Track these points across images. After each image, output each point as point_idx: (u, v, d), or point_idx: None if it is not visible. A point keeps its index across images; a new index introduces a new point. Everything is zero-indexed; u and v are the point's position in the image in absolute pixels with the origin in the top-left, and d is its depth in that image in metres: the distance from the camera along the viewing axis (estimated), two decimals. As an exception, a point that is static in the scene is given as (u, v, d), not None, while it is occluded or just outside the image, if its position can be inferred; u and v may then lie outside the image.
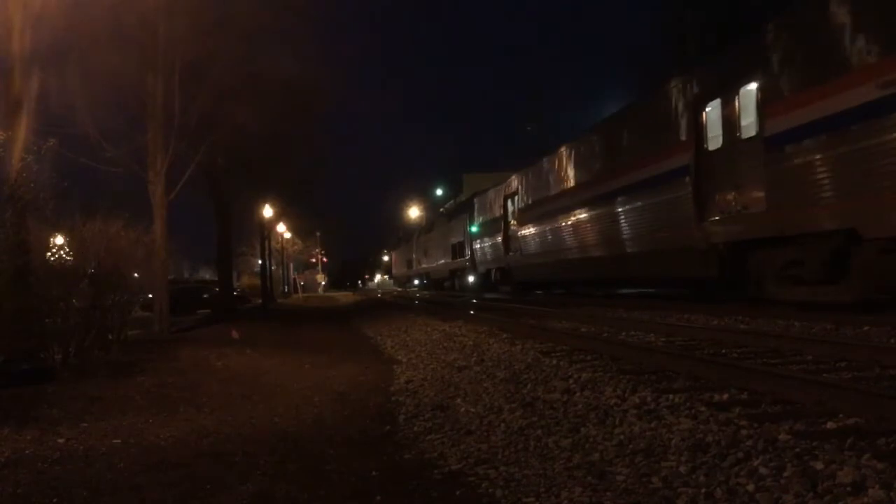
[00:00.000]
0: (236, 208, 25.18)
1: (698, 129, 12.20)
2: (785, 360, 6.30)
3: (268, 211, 31.47)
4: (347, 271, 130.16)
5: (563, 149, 19.21)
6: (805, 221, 9.53)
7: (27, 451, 4.72)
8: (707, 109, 12.08)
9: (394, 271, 76.71)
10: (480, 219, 29.72)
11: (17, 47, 8.07)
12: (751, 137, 10.80)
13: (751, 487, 3.02)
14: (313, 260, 76.83)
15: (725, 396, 4.82)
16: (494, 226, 27.02)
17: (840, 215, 8.91)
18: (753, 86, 10.71)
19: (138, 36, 12.79)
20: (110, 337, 10.42)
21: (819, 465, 3.11)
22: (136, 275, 12.52)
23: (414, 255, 54.83)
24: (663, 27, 34.27)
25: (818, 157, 9.16)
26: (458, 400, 5.82)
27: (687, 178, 12.36)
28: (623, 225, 15.00)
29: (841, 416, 4.04)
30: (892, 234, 8.22)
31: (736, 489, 3.04)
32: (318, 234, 62.69)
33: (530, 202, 21.95)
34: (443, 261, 40.90)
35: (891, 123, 8.01)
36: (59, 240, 10.37)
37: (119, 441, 4.97)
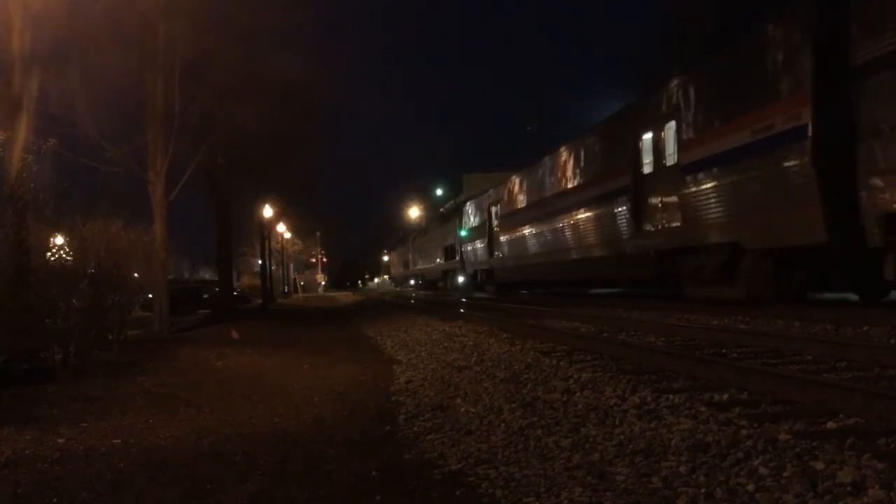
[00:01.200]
0: (236, 208, 25.20)
1: (636, 156, 14.41)
2: (785, 360, 6.30)
3: (268, 211, 31.48)
4: (347, 271, 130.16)
5: (533, 166, 22.06)
6: (705, 235, 11.82)
7: (27, 451, 4.72)
8: (643, 140, 14.27)
9: (392, 271, 79.17)
10: (469, 224, 32.20)
11: (17, 47, 8.09)
12: (672, 165, 13.05)
13: (751, 487, 3.02)
14: (313, 260, 76.81)
15: (725, 396, 4.81)
16: (480, 231, 29.41)
17: (728, 231, 11.19)
18: (673, 123, 12.90)
19: (138, 36, 12.79)
20: (110, 337, 10.43)
21: (819, 465, 3.11)
22: (136, 275, 12.54)
23: (410, 257, 57.60)
24: (663, 27, 34.28)
25: (713, 184, 11.46)
26: (458, 400, 5.82)
27: (627, 197, 14.62)
28: (581, 234, 17.48)
29: (841, 416, 4.03)
30: (765, 247, 10.58)
31: (736, 489, 3.04)
32: (318, 234, 62.75)
33: (508, 212, 24.50)
34: (436, 262, 43.43)
35: (758, 161, 10.22)
36: (59, 240, 10.37)
37: (119, 441, 4.97)
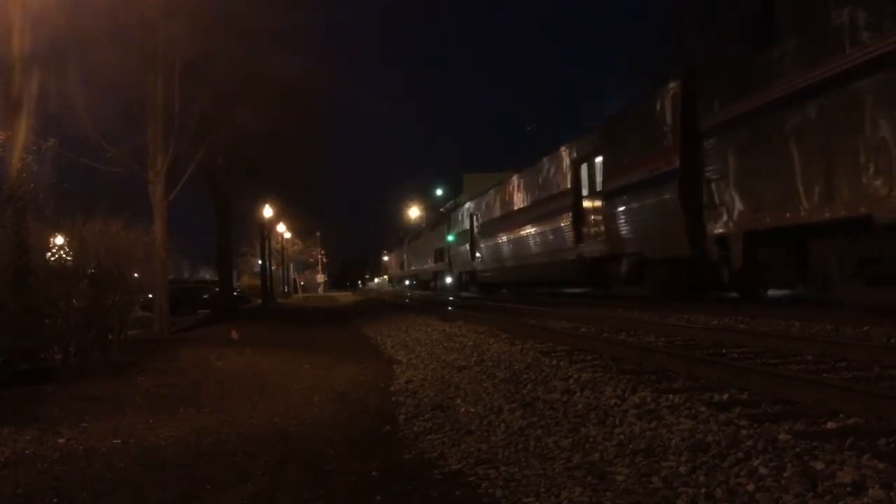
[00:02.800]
0: (236, 208, 25.21)
1: (576, 182, 18.48)
2: (785, 360, 6.30)
3: (268, 211, 31.49)
4: (347, 271, 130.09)
5: (505, 183, 26.21)
6: (623, 247, 15.13)
7: (27, 451, 4.72)
8: (582, 168, 18.21)
9: (389, 272, 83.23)
10: (455, 230, 36.22)
11: (17, 47, 8.08)
12: (600, 191, 16.62)
13: (751, 487, 3.02)
14: (312, 260, 76.79)
15: (725, 396, 4.81)
16: (465, 237, 33.10)
17: (636, 244, 14.52)
18: (601, 158, 16.57)
19: (138, 36, 12.78)
20: (110, 337, 10.41)
21: (819, 465, 3.11)
22: (136, 275, 12.52)
23: (405, 258, 62.29)
24: (663, 27, 34.24)
25: (625, 208, 14.82)
26: (458, 400, 5.82)
27: (570, 214, 18.54)
28: (538, 244, 21.38)
29: (841, 416, 4.04)
30: (658, 257, 13.82)
31: (736, 489, 3.04)
32: (318, 234, 62.75)
33: (486, 221, 28.67)
34: (428, 264, 47.13)
35: (651, 193, 13.59)
36: (59, 240, 10.36)
37: (119, 441, 4.97)
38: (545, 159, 21.34)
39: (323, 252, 78.93)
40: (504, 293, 28.48)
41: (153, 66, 13.04)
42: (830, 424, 3.90)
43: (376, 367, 8.74)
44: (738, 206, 10.56)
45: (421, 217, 71.42)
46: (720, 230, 11.10)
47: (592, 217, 17.41)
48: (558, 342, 8.65)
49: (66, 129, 11.77)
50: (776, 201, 9.66)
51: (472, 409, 5.36)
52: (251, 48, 15.55)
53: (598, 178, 16.74)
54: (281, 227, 42.28)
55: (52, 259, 9.91)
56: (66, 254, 10.21)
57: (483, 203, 29.32)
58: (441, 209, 56.42)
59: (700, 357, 6.23)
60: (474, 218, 30.86)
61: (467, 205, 33.00)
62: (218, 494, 3.73)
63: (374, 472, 4.00)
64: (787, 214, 9.43)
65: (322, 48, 26.67)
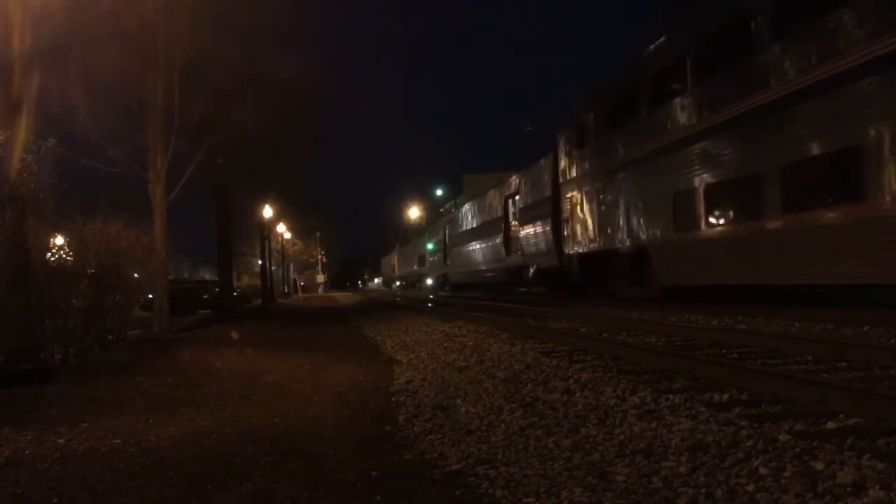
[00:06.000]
0: (236, 208, 25.20)
1: (506, 211, 26.86)
2: (785, 360, 6.30)
3: (268, 211, 31.47)
4: (347, 271, 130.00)
5: (469, 205, 34.38)
6: (527, 259, 23.09)
7: (27, 451, 4.72)
8: (509, 202, 26.51)
9: (383, 273, 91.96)
10: (433, 239, 45.13)
11: (17, 47, 8.07)
12: (517, 219, 24.85)
13: (751, 488, 3.02)
14: (312, 260, 76.74)
15: (725, 397, 4.81)
16: (440, 246, 42.09)
17: (533, 257, 22.34)
18: (518, 196, 24.85)
19: (138, 36, 12.78)
20: (110, 337, 10.42)
21: (819, 466, 3.11)
22: (136, 275, 12.52)
23: (395, 262, 71.34)
24: (663, 27, 34.24)
25: (526, 233, 22.90)
26: (458, 400, 5.82)
27: (502, 235, 27.18)
28: (484, 254, 30.24)
29: (841, 416, 4.04)
30: (546, 267, 20.90)
31: (736, 489, 3.04)
32: (318, 234, 62.72)
33: (454, 234, 37.10)
34: (414, 268, 56.18)
35: (540, 221, 21.01)
36: (60, 240, 10.36)
37: (119, 441, 4.97)
38: (489, 192, 29.66)
39: (323, 252, 78.92)
40: (476, 293, 34.55)
41: (153, 66, 13.04)
42: (830, 424, 3.90)
43: (376, 367, 8.74)
44: (577, 237, 17.92)
45: (420, 217, 71.56)
46: (569, 252, 18.55)
47: (514, 238, 25.42)
48: (558, 342, 8.65)
49: (67, 130, 11.77)
50: (591, 238, 16.96)
51: (473, 410, 5.36)
52: (251, 48, 15.56)
53: (516, 210, 25.24)
54: (281, 228, 42.27)
55: (53, 259, 9.90)
56: (67, 254, 10.20)
57: (453, 220, 38.46)
58: (441, 209, 57.09)
59: (700, 357, 6.23)
60: (446, 231, 39.46)
61: (443, 220, 43.48)
62: (218, 494, 3.73)
63: (373, 473, 4.00)
64: (596, 245, 16.70)
65: (322, 48, 26.72)
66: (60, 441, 4.99)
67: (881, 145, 8.26)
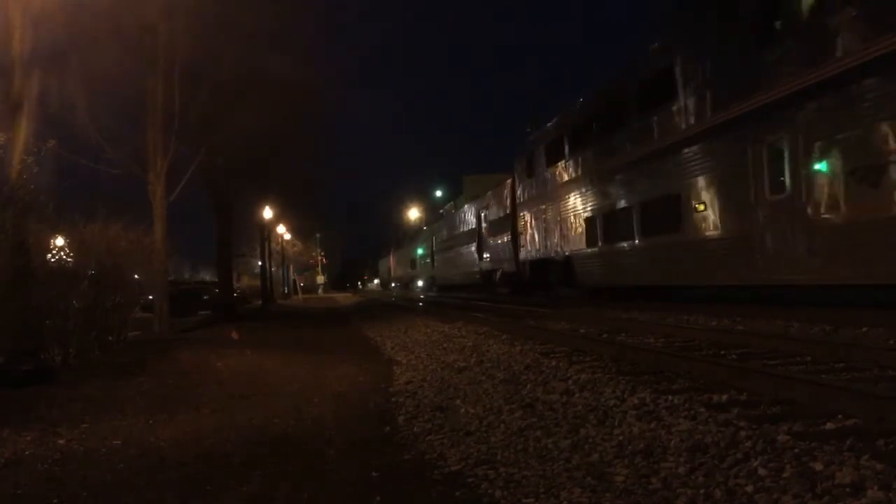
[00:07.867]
0: (236, 209, 25.15)
1: (479, 222, 31.13)
2: (784, 360, 6.30)
3: (268, 212, 31.47)
4: (347, 272, 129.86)
5: (452, 215, 39.39)
6: (494, 264, 28.34)
7: (27, 452, 4.72)
8: (482, 215, 30.48)
9: (380, 275, 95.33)
10: (423, 245, 50.43)
11: (17, 47, 8.08)
12: (486, 229, 29.78)
13: (750, 488, 3.03)
14: (312, 261, 76.72)
15: (724, 397, 4.82)
16: (428, 251, 47.42)
17: (499, 263, 27.66)
18: (486, 212, 29.82)
19: (138, 36, 12.79)
20: (110, 338, 10.42)
21: (818, 466, 3.12)
22: (136, 276, 12.53)
23: (391, 265, 76.27)
24: (663, 27, 34.27)
25: (491, 242, 28.86)
26: (458, 401, 5.82)
27: (475, 243, 31.60)
28: (463, 259, 34.62)
29: (840, 416, 4.04)
30: (508, 271, 26.14)
31: (735, 490, 3.05)
32: (317, 235, 62.72)
33: (440, 240, 42.09)
34: (407, 270, 61.92)
35: (501, 235, 27.23)
36: (60, 241, 10.37)
37: (119, 442, 4.97)
38: (466, 206, 35.01)
39: (323, 253, 78.88)
40: (460, 293, 38.06)
41: (153, 66, 13.05)
42: (829, 425, 3.90)
43: (376, 367, 8.74)
44: (528, 248, 22.73)
45: (420, 218, 71.68)
46: (523, 258, 23.35)
47: (485, 246, 30.10)
48: (557, 343, 8.65)
49: (67, 130, 11.78)
50: (537, 248, 21.79)
51: (472, 410, 5.36)
52: (250, 49, 15.55)
53: (487, 222, 29.68)
54: (281, 229, 42.27)
55: (53, 260, 9.91)
56: (67, 255, 10.21)
57: (440, 228, 43.22)
58: (441, 210, 57.21)
59: (699, 358, 6.23)
60: (433, 238, 44.62)
61: (431, 227, 48.17)
62: (218, 495, 3.73)
63: (373, 473, 4.01)
64: (540, 254, 21.53)
65: (322, 49, 26.67)
66: (60, 442, 4.99)
67: (689, 194, 12.60)
